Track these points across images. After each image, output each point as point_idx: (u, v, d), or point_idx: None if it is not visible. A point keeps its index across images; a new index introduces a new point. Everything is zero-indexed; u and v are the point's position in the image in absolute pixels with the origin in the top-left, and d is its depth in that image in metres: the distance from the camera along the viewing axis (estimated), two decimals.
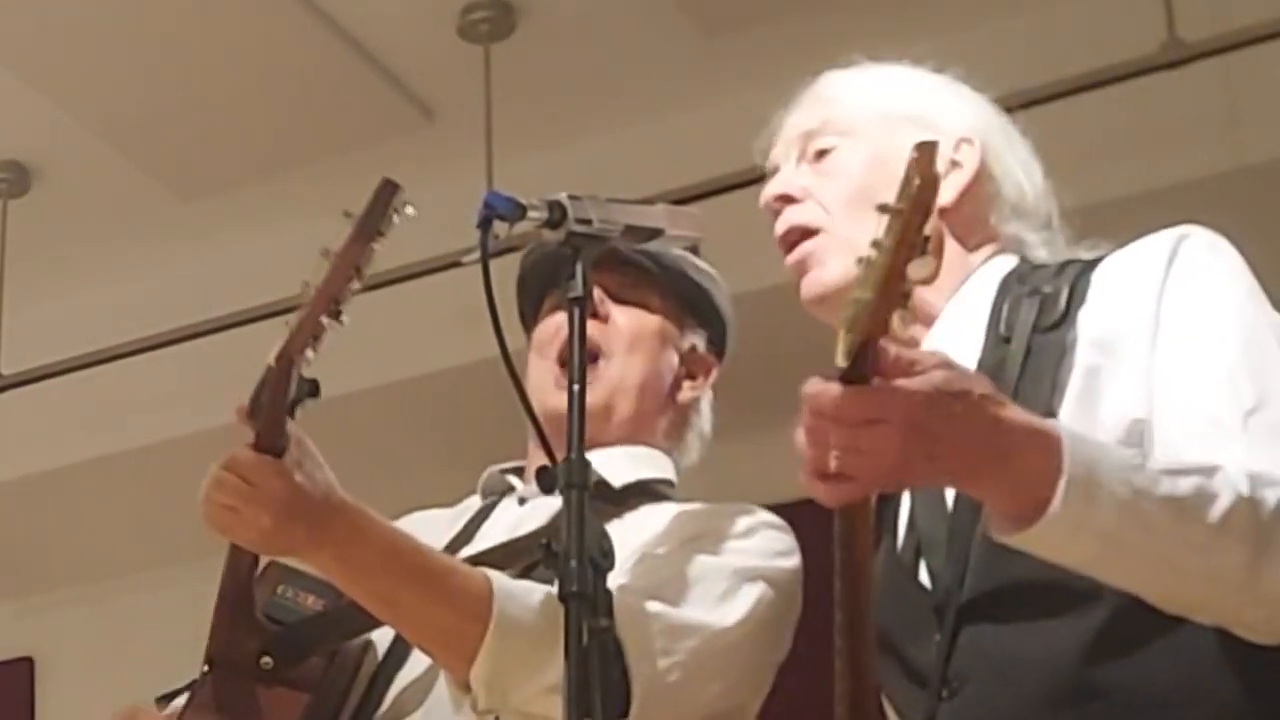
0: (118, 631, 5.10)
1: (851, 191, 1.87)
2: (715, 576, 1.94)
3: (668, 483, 2.15)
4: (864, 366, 1.42)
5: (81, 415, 4.67)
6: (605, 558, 1.62)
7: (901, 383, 1.43)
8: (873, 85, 1.95)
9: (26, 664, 5.30)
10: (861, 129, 1.91)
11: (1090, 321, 1.72)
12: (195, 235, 4.57)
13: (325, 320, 1.75)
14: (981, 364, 1.76)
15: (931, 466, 1.46)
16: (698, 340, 2.22)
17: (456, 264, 3.41)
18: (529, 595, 1.82)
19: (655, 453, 2.17)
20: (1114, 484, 1.48)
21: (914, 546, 1.77)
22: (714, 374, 2.24)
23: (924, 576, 1.75)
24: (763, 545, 2.01)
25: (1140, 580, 1.54)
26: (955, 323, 1.84)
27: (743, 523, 2.02)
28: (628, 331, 2.16)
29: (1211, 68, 3.55)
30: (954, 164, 1.89)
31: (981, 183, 1.90)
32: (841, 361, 1.43)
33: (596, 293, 2.07)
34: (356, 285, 1.74)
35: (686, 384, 2.21)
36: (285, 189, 4.32)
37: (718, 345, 2.25)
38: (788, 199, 1.92)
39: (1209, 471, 1.53)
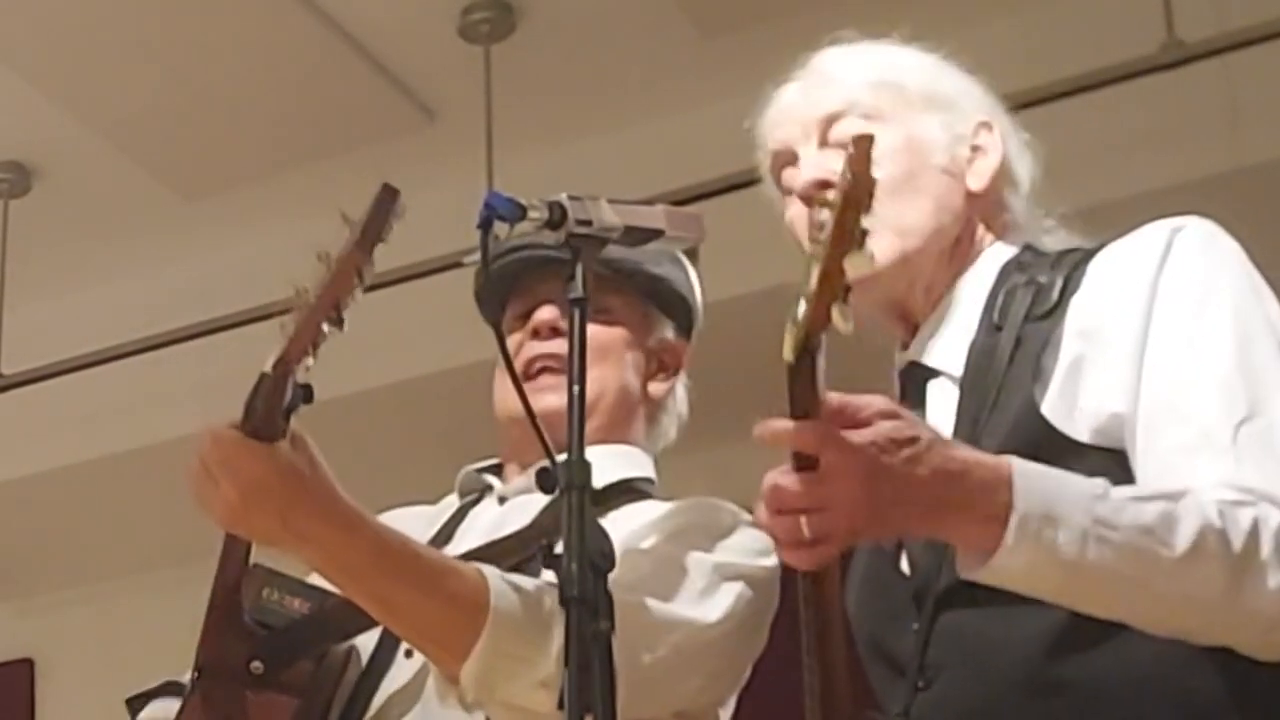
0: (118, 632, 5.09)
1: (893, 177, 1.77)
2: (697, 573, 1.95)
3: (648, 480, 2.15)
4: (809, 382, 1.47)
5: (81, 415, 4.67)
6: (605, 560, 1.62)
7: (851, 435, 1.47)
8: (888, 66, 1.91)
9: (26, 665, 5.30)
10: (889, 113, 1.86)
11: (1080, 311, 1.72)
12: (195, 235, 4.57)
13: (326, 327, 1.75)
14: (972, 350, 1.77)
15: (898, 511, 1.49)
16: (665, 331, 2.22)
17: (457, 264, 3.42)
18: (523, 591, 1.82)
19: (634, 450, 2.18)
20: (1073, 514, 1.50)
21: None
22: (686, 356, 2.25)
23: (904, 564, 1.75)
24: (743, 543, 2.01)
25: (1119, 608, 1.56)
26: (954, 308, 1.83)
27: (723, 520, 2.03)
28: (591, 346, 2.15)
29: (1211, 68, 3.56)
30: (976, 149, 1.87)
31: (1005, 167, 1.88)
32: (788, 355, 1.47)
33: (554, 310, 2.09)
34: (359, 292, 1.74)
35: (659, 377, 2.22)
36: (286, 189, 4.31)
37: (685, 328, 2.24)
38: (828, 185, 1.82)
39: (1175, 496, 1.53)
